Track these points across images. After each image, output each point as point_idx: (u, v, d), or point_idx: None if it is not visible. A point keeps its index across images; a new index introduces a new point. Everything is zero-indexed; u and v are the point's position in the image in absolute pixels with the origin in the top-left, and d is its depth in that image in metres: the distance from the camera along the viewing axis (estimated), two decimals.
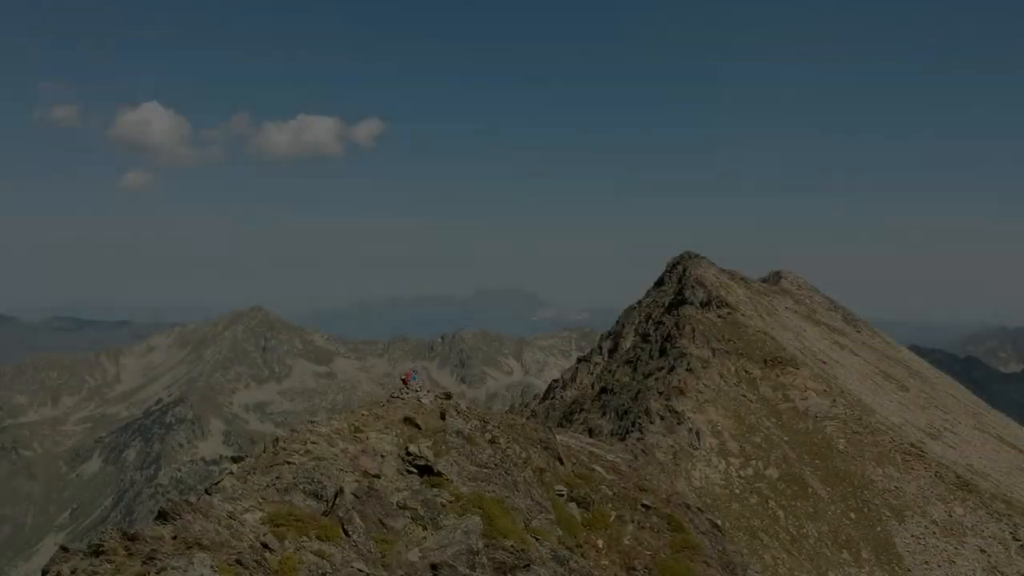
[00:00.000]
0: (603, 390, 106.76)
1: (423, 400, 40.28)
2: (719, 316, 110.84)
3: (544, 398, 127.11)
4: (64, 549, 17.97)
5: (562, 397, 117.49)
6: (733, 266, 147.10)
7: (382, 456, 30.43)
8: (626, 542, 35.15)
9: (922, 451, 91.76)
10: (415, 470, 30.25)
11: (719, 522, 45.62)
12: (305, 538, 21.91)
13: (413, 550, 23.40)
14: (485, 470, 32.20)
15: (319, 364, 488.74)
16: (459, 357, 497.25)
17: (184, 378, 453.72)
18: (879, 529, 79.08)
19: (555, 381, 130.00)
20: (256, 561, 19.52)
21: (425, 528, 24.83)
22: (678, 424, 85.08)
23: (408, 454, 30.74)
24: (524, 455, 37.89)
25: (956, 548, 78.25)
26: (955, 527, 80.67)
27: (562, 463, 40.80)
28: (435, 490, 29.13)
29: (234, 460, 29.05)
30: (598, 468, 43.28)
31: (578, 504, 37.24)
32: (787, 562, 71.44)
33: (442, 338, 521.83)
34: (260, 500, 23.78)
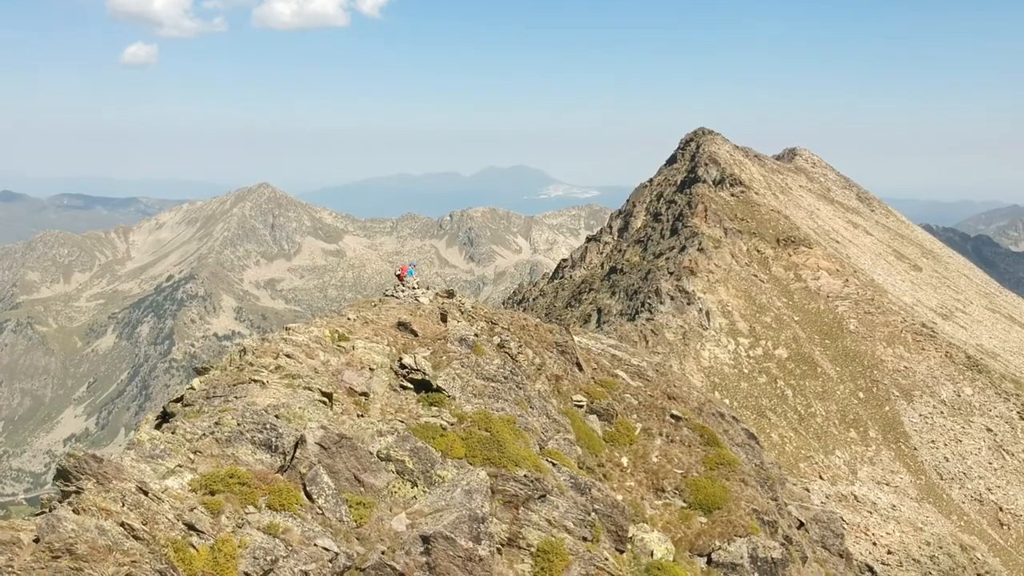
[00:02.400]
0: (612, 270, 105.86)
1: (421, 300, 35.74)
2: (732, 194, 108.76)
3: (553, 277, 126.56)
4: None
5: (571, 277, 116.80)
6: (747, 143, 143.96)
7: (371, 370, 26.05)
8: (654, 459, 31.31)
9: (933, 331, 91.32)
10: (410, 386, 26.06)
11: (755, 431, 41.12)
12: (251, 508, 17.22)
13: (399, 515, 19.01)
14: (493, 384, 27.59)
15: (328, 241, 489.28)
16: (467, 235, 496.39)
17: (193, 255, 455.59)
18: (887, 408, 79.37)
19: (564, 260, 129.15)
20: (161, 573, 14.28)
21: (415, 485, 20.50)
22: (688, 304, 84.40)
23: (402, 367, 26.48)
24: (538, 361, 33.67)
25: (963, 427, 78.68)
26: (963, 407, 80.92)
27: (581, 369, 36.11)
28: (434, 410, 24.87)
29: (198, 372, 24.78)
30: (621, 374, 38.45)
31: (599, 416, 32.96)
32: (794, 440, 71.93)
33: (450, 216, 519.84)
34: (191, 456, 18.72)
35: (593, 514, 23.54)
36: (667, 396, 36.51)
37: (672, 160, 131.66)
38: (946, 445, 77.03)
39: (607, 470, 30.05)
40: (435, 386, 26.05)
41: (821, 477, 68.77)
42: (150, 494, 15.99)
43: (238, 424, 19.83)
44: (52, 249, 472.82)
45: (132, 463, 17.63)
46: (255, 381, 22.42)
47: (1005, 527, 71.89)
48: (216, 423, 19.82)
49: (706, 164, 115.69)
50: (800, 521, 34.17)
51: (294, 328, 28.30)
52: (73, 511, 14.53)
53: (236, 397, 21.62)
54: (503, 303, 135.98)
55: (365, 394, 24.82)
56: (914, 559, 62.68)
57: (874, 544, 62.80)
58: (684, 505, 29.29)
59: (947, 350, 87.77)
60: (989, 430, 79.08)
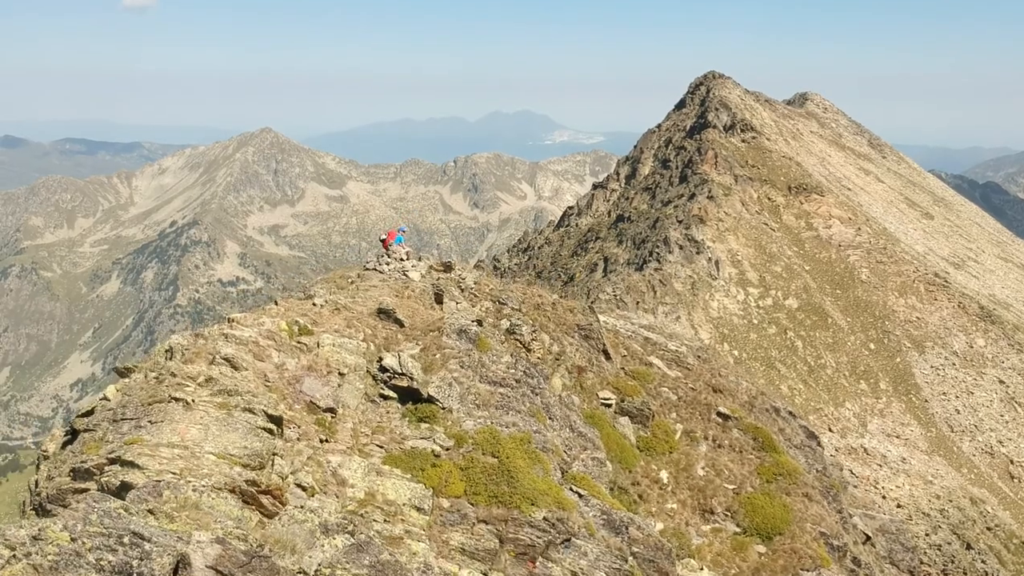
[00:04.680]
0: (620, 218, 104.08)
1: (411, 275, 29.17)
2: (743, 140, 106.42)
3: (558, 225, 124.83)
4: None
5: (577, 225, 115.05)
6: (757, 89, 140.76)
7: (340, 375, 20.19)
8: (699, 472, 25.73)
9: (946, 281, 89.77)
10: (393, 395, 20.34)
11: (815, 430, 34.85)
12: None
13: None
14: (501, 390, 21.73)
15: (331, 187, 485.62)
16: (472, 181, 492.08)
17: (197, 200, 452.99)
18: (898, 360, 78.22)
19: (570, 208, 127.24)
20: None
21: None
22: (697, 253, 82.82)
23: (383, 370, 20.68)
24: (556, 349, 27.44)
25: (975, 379, 77.61)
26: (975, 358, 79.75)
27: (608, 358, 29.77)
28: (424, 428, 19.38)
29: (120, 373, 19.19)
30: (656, 362, 32.13)
31: (632, 418, 26.91)
32: (804, 392, 70.95)
33: (455, 162, 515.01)
34: None
35: (631, 559, 18.91)
36: (712, 389, 31.03)
37: (681, 105, 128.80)
38: (957, 397, 76.05)
39: (643, 489, 24.83)
40: (425, 395, 20.55)
41: (831, 430, 67.91)
42: None
43: (72, 539, 10.74)
44: (55, 194, 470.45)
45: None
46: (176, 400, 16.60)
47: (1016, 480, 71.21)
48: (36, 537, 10.56)
49: (716, 109, 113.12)
50: (866, 535, 29.53)
51: (239, 320, 21.75)
52: None
53: (151, 421, 16.02)
54: (508, 251, 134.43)
55: (332, 410, 19.22)
56: (924, 512, 62.04)
57: (883, 497, 62.07)
58: (738, 530, 24.37)
59: (960, 300, 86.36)
60: (1001, 382, 78.03)
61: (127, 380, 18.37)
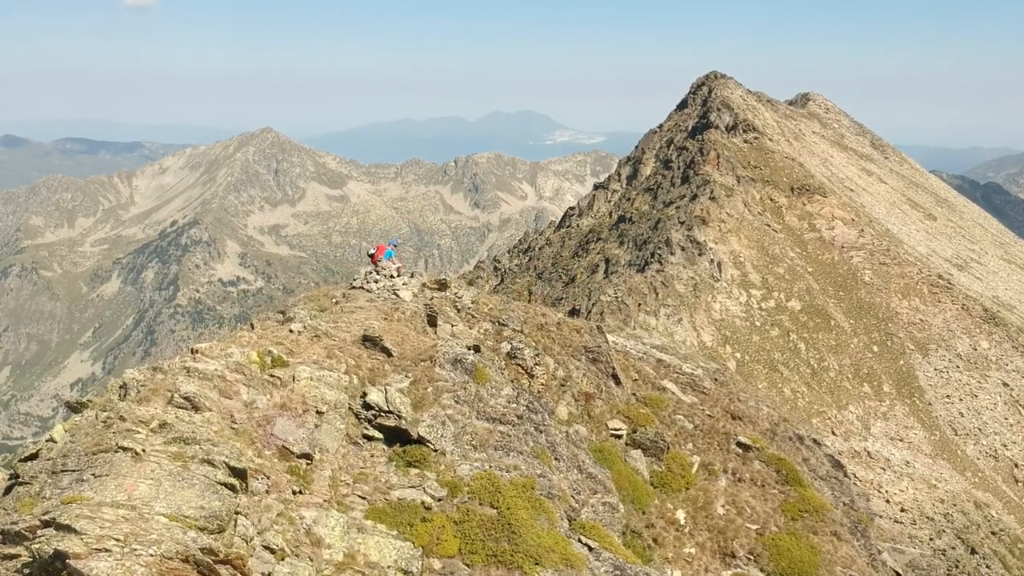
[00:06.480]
0: (621, 219, 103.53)
1: (402, 294, 26.62)
2: (745, 141, 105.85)
3: (559, 226, 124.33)
4: None
5: (578, 225, 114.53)
6: (758, 88, 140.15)
7: (318, 413, 17.93)
8: (719, 510, 23.54)
9: (949, 283, 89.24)
10: (378, 435, 18.23)
11: (841, 459, 32.54)
12: None
13: None
14: (501, 428, 19.63)
15: (332, 187, 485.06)
16: (472, 181, 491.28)
17: (197, 200, 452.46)
18: (902, 362, 77.70)
19: (571, 209, 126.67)
20: None
21: None
22: (699, 255, 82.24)
23: (367, 407, 18.58)
24: (561, 374, 25.20)
25: (979, 382, 77.07)
26: (979, 361, 79.22)
27: (618, 383, 27.51)
28: (414, 474, 17.28)
29: (72, 408, 17.25)
30: (670, 386, 29.71)
31: (645, 451, 24.64)
32: (807, 395, 70.43)
33: (455, 162, 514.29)
34: None
35: None
36: (730, 416, 28.79)
37: (683, 105, 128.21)
38: (961, 400, 75.52)
39: (658, 532, 22.50)
40: (415, 436, 18.27)
41: (834, 433, 67.39)
42: None
43: None
44: (55, 194, 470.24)
45: None
46: (124, 449, 14.22)
47: (1021, 484, 70.69)
48: None
49: (718, 109, 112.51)
50: (896, 572, 27.63)
51: (204, 351, 19.18)
52: None
53: (94, 475, 13.92)
54: (508, 251, 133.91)
55: (307, 456, 16.77)
56: (928, 517, 61.49)
57: (887, 502, 61.59)
58: None
59: (963, 302, 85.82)
60: (1005, 385, 77.51)
61: (77, 419, 16.27)
